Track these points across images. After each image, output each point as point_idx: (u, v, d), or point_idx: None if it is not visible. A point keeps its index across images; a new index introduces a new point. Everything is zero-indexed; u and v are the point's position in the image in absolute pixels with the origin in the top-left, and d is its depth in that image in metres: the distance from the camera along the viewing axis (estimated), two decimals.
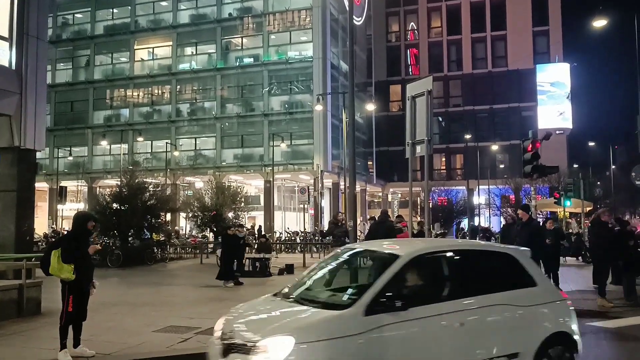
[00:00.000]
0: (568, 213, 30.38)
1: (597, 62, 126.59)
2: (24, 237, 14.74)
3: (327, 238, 20.40)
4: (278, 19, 42.85)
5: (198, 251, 27.64)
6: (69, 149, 46.38)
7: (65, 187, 37.82)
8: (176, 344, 7.90)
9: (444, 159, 58.15)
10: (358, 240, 16.13)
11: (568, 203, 26.93)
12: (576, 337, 6.05)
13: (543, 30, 55.29)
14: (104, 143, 45.54)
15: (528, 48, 54.87)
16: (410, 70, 59.47)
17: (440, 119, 56.66)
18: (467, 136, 50.11)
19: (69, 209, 45.67)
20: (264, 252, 19.37)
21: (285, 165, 41.43)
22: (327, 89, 40.31)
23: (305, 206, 39.70)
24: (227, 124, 44.20)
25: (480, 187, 48.74)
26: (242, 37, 44.62)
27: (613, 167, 59.56)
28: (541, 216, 39.44)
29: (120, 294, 14.17)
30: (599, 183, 57.46)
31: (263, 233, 28.91)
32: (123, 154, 45.00)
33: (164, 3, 46.11)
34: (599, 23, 19.13)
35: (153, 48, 46.90)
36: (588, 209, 31.88)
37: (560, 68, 54.36)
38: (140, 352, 7.50)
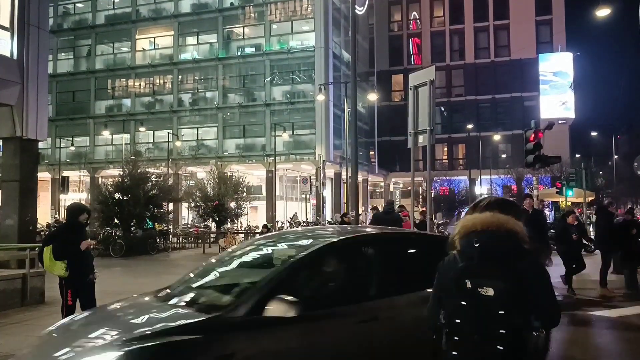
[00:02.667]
0: (570, 203, 30.34)
1: (600, 51, 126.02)
2: (27, 227, 14.78)
3: None
4: (280, 8, 42.67)
5: (200, 241, 27.71)
6: (71, 139, 46.43)
7: (68, 177, 37.87)
8: None
9: (446, 149, 58.06)
10: None
11: (570, 193, 26.89)
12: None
13: (546, 19, 54.97)
14: (105, 133, 45.57)
15: (531, 37, 54.59)
16: (412, 59, 59.23)
17: (443, 109, 56.52)
18: (469, 126, 50.03)
19: (72, 199, 45.80)
20: None
21: (287, 155, 41.42)
22: (329, 78, 40.22)
23: (307, 196, 39.72)
24: (228, 114, 44.15)
25: (482, 177, 48.72)
26: (243, 27, 44.47)
27: (615, 156, 59.53)
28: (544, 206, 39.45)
29: (123, 284, 14.24)
30: (601, 173, 57.46)
31: (265, 223, 28.86)
32: (125, 144, 45.03)
33: None
34: (602, 12, 19.02)
35: (154, 38, 46.78)
36: (590, 199, 31.85)
37: (563, 57, 54.10)
38: None
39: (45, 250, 6.74)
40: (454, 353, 2.48)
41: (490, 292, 2.38)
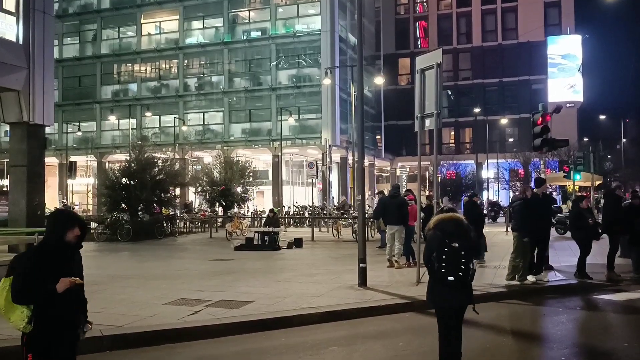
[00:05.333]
0: (577, 187, 30.21)
1: (609, 33, 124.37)
2: (35, 211, 14.90)
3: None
4: None
5: (207, 225, 27.81)
6: (77, 124, 46.51)
7: (75, 162, 38.04)
8: (187, 316, 8.01)
9: (452, 133, 57.83)
10: (366, 215, 16.13)
11: (578, 177, 26.74)
12: None
13: (554, 1, 54.34)
14: (112, 118, 45.64)
15: (539, 20, 54.02)
16: (419, 43, 58.80)
17: (450, 93, 56.20)
18: (477, 110, 49.75)
19: (79, 183, 46.08)
20: (273, 226, 19.47)
21: (294, 140, 41.37)
22: (335, 62, 40.00)
23: (314, 181, 39.72)
24: (234, 98, 44.07)
25: (489, 161, 48.54)
26: (249, 10, 44.22)
27: (624, 140, 59.14)
28: (550, 190, 39.31)
29: (131, 268, 14.35)
30: (609, 156, 57.14)
31: (271, 207, 28.96)
32: (131, 128, 45.09)
33: None
34: None
35: (160, 22, 46.60)
36: (598, 182, 31.71)
37: (571, 40, 53.55)
38: (152, 324, 7.61)
39: (3, 283, 3.89)
40: (442, 271, 5.02)
41: (456, 245, 5.04)
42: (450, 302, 5.12)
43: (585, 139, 54.12)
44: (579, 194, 21.53)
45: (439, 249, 5.04)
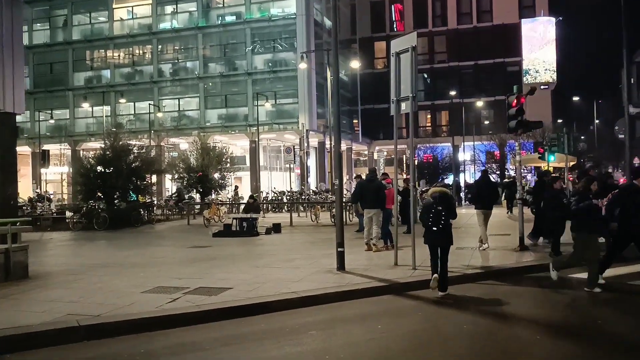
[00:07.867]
0: (552, 168, 30.59)
1: (583, 15, 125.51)
2: (8, 201, 14.60)
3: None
4: None
5: (185, 212, 27.66)
6: (50, 111, 45.65)
7: (48, 151, 37.31)
8: (165, 304, 7.97)
9: (429, 116, 58.05)
10: (344, 199, 16.15)
11: (552, 158, 27.09)
12: None
13: None
14: (85, 105, 44.89)
15: (513, 2, 54.26)
16: (394, 26, 58.62)
17: (425, 76, 56.30)
18: (452, 92, 49.96)
19: (53, 172, 45.35)
20: (252, 212, 19.43)
21: (271, 125, 41.19)
22: (311, 46, 39.78)
23: (291, 166, 39.65)
24: (210, 83, 43.65)
25: (466, 143, 48.91)
26: None
27: (597, 121, 60.03)
28: (526, 171, 39.82)
29: (108, 256, 14.22)
30: (582, 137, 57.97)
31: (251, 194, 28.81)
32: (106, 116, 44.44)
33: None
34: None
35: (132, 7, 45.78)
36: (572, 163, 32.16)
37: (545, 22, 53.93)
38: (130, 312, 7.55)
39: None
40: (430, 223, 8.54)
41: (440, 208, 8.51)
42: (435, 241, 8.58)
43: (560, 121, 54.80)
44: (554, 175, 21.81)
45: (429, 210, 8.53)
